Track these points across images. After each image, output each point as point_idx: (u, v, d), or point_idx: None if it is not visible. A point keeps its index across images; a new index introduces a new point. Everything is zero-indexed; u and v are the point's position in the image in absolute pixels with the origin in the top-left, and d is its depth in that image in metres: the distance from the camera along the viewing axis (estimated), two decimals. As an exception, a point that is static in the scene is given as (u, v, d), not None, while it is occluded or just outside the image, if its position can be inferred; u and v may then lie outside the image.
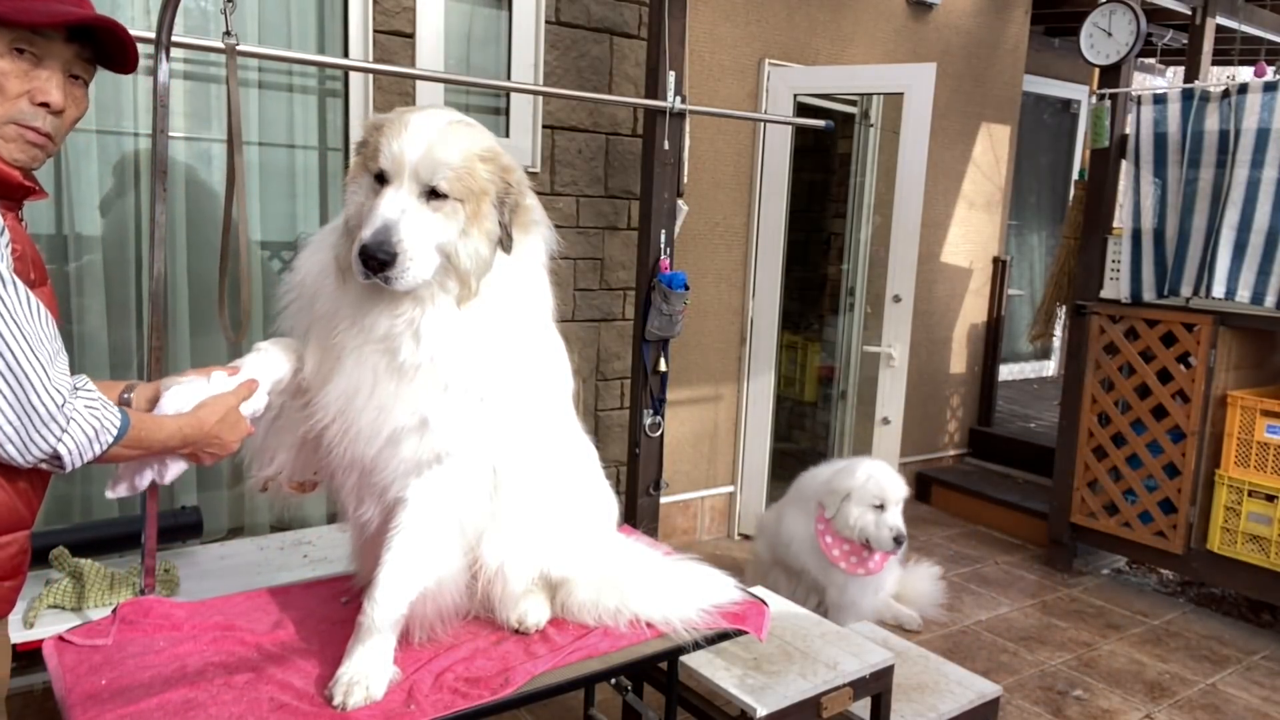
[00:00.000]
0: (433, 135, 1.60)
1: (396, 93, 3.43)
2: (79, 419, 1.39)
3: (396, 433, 1.66)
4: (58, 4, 1.43)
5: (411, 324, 1.64)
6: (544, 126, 3.78)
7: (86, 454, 1.41)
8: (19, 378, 1.33)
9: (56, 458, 1.38)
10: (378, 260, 1.54)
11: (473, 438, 1.71)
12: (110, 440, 1.43)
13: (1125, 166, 4.31)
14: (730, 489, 4.81)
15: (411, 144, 1.58)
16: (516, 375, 1.74)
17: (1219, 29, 5.25)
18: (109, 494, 1.66)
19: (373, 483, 1.73)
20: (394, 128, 1.61)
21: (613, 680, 2.28)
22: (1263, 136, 3.75)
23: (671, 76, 3.27)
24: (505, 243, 1.69)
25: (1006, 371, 7.37)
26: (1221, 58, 6.17)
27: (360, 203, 1.65)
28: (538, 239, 1.80)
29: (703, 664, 2.36)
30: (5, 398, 1.32)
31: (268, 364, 1.75)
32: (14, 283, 1.35)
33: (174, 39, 2.22)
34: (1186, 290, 4.03)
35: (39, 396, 1.34)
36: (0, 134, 1.42)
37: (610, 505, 2.11)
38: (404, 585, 1.71)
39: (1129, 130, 4.23)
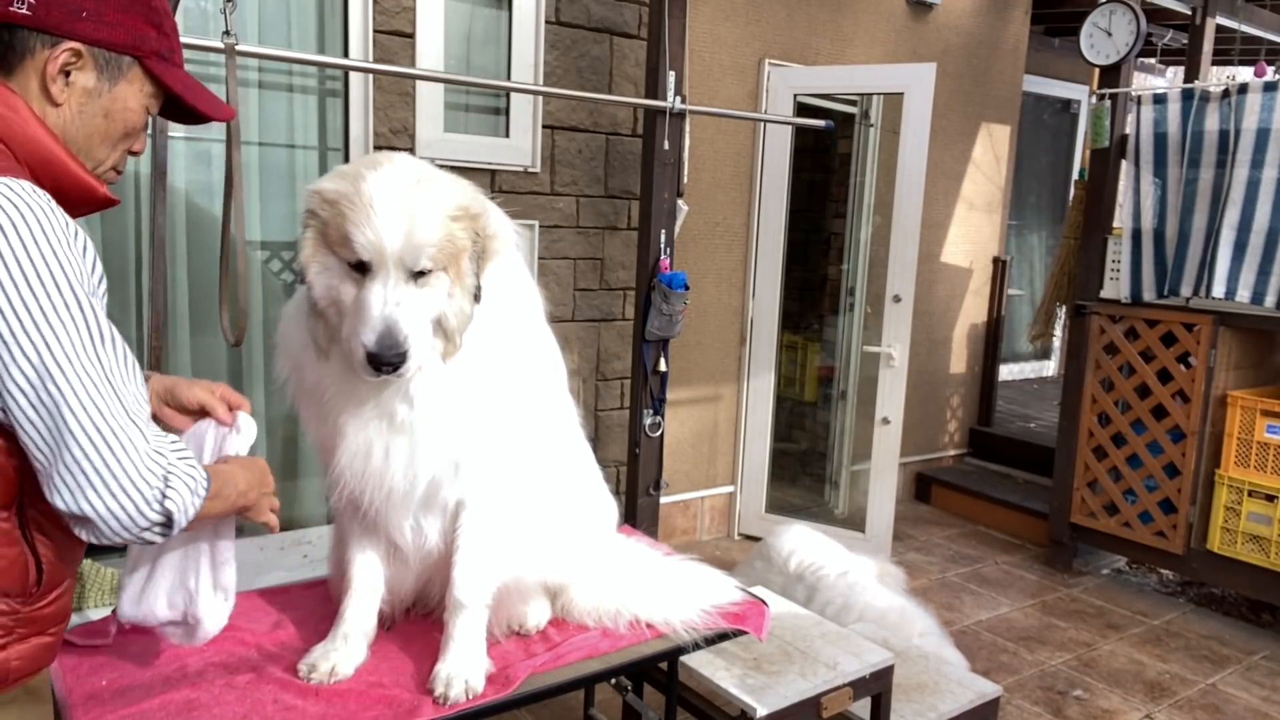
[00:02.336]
0: (407, 213, 1.49)
1: (396, 93, 3.43)
2: (178, 473, 1.23)
3: (410, 485, 1.67)
4: (220, 101, 1.45)
5: (399, 390, 1.61)
6: (544, 126, 3.78)
7: (190, 511, 1.25)
8: (118, 456, 1.17)
9: (168, 524, 1.22)
10: (391, 365, 1.50)
11: (486, 475, 1.73)
12: (204, 493, 1.27)
13: (1125, 166, 4.31)
14: (730, 489, 4.81)
15: (388, 230, 1.48)
16: (511, 401, 1.74)
17: (1219, 29, 5.25)
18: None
19: (407, 524, 1.76)
20: (358, 209, 1.48)
21: (613, 680, 2.28)
22: (1263, 136, 3.75)
23: (671, 76, 3.28)
24: (478, 293, 1.63)
25: (1006, 371, 7.36)
26: (1221, 58, 6.17)
27: (332, 285, 1.55)
28: (509, 256, 1.73)
29: (703, 664, 2.36)
30: (106, 479, 1.16)
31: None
32: (113, 339, 1.22)
33: (174, 39, 2.21)
34: (1186, 290, 4.03)
35: (138, 467, 1.18)
36: (106, 175, 1.38)
37: (609, 507, 2.11)
38: (484, 569, 1.75)
39: (1129, 130, 4.23)
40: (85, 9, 1.26)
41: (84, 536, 1.22)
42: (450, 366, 1.63)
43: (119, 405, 1.19)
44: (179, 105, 1.41)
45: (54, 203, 1.19)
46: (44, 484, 1.19)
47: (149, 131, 1.58)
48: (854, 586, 3.31)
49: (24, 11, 1.23)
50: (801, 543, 3.59)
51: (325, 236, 1.54)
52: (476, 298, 1.63)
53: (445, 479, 1.69)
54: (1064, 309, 4.74)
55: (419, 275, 1.53)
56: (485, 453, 1.71)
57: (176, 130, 3.03)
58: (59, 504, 1.18)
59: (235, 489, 1.40)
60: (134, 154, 1.42)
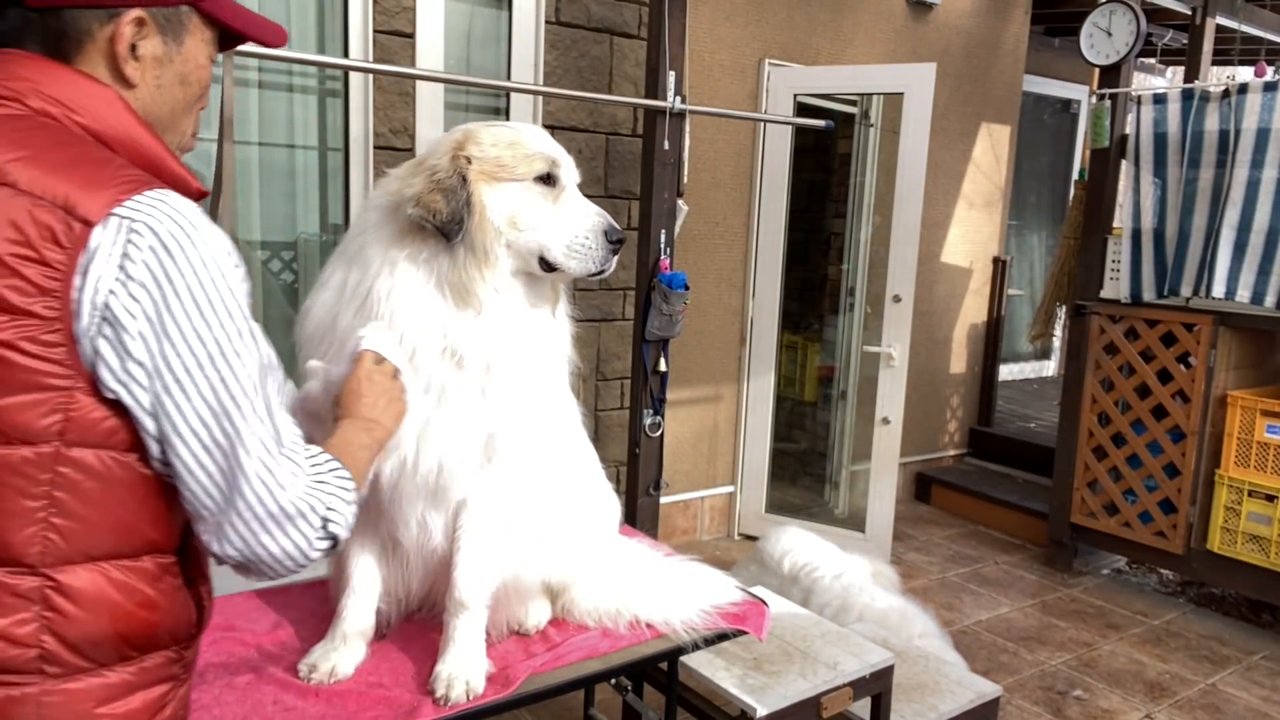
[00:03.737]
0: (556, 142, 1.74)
1: (396, 93, 3.43)
2: (334, 490, 1.15)
3: (463, 453, 1.66)
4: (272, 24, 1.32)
5: (545, 327, 1.73)
6: (544, 126, 3.76)
7: (350, 521, 1.17)
8: (290, 496, 1.09)
9: (334, 545, 1.16)
10: (621, 241, 1.71)
11: (523, 442, 1.75)
12: (354, 495, 1.19)
13: (1125, 166, 4.31)
14: (730, 489, 4.81)
15: (559, 148, 1.71)
16: (546, 381, 1.76)
17: (1219, 29, 5.25)
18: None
19: (414, 518, 1.74)
20: (531, 137, 1.69)
21: (613, 680, 2.28)
22: (1263, 136, 3.75)
23: (671, 76, 3.27)
24: None
25: (1006, 371, 7.36)
26: (1221, 58, 6.17)
27: (514, 207, 1.64)
28: None
29: (703, 664, 2.36)
30: (279, 520, 1.08)
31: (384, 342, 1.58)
32: (273, 364, 1.12)
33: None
34: (1186, 290, 4.03)
35: (307, 502, 1.11)
36: (186, 145, 1.24)
37: (612, 507, 2.11)
38: (484, 569, 1.75)
39: (1129, 130, 4.23)
40: None
41: (246, 577, 1.14)
42: (553, 322, 1.75)
43: (279, 439, 1.10)
44: (228, 37, 1.27)
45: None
46: (205, 531, 1.09)
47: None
48: (849, 588, 3.31)
49: None
50: (795, 544, 3.58)
51: (497, 169, 1.65)
52: None
53: (496, 445, 1.69)
54: (1064, 309, 4.74)
55: None
56: (521, 428, 1.72)
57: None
58: (229, 552, 1.09)
59: (367, 454, 1.33)
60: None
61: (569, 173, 1.71)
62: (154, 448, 1.05)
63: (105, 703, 1.07)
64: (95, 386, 1.01)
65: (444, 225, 1.57)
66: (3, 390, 0.98)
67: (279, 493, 1.08)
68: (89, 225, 0.98)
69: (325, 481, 1.15)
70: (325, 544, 1.14)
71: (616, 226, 1.71)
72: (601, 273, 1.72)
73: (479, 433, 1.66)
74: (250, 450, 1.06)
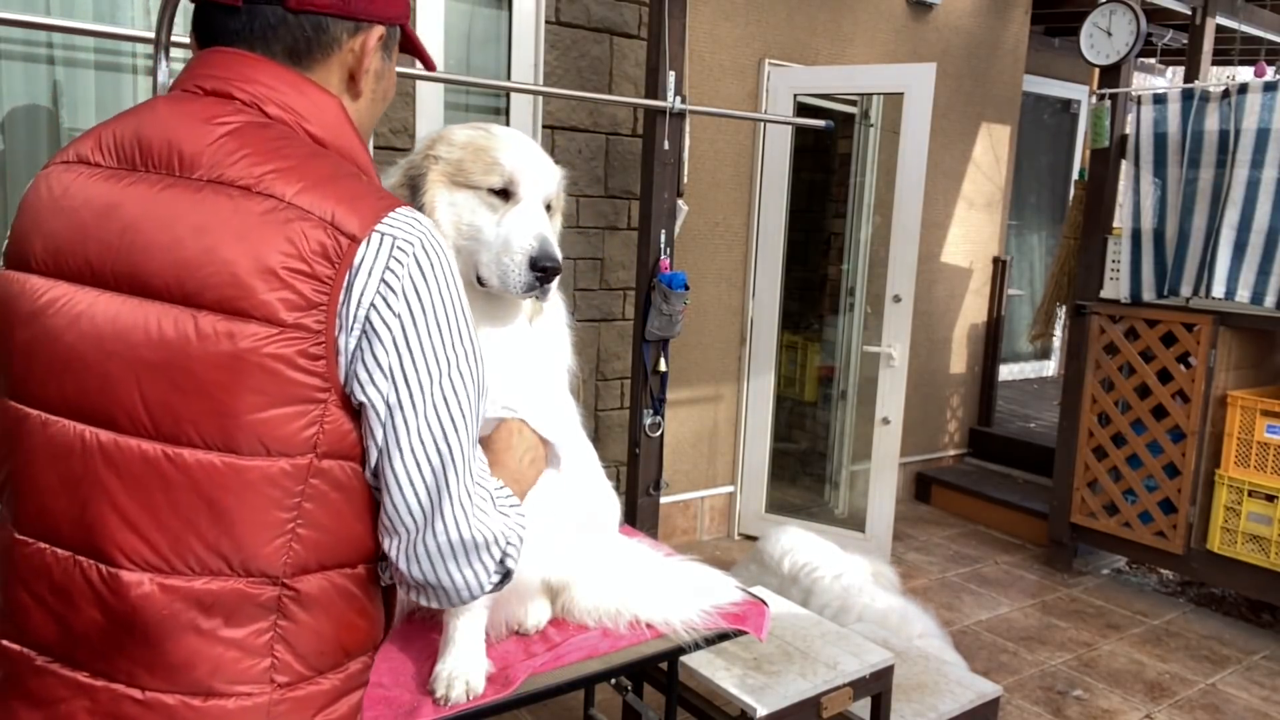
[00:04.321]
0: (536, 150, 1.64)
1: (396, 92, 3.43)
2: (514, 526, 1.15)
3: None
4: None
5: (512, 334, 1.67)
6: (544, 126, 3.78)
7: (520, 558, 1.16)
8: (483, 526, 1.10)
9: (505, 580, 1.16)
10: (550, 269, 1.53)
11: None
12: (525, 532, 1.18)
13: (1125, 166, 4.31)
14: (730, 489, 4.81)
15: (529, 157, 1.62)
16: (545, 387, 1.75)
17: (1219, 29, 5.25)
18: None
19: None
20: (498, 143, 1.61)
21: (613, 680, 2.28)
22: (1263, 136, 3.75)
23: (671, 76, 3.27)
24: None
25: (1006, 371, 7.37)
26: (1221, 58, 6.17)
27: (464, 217, 1.59)
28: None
29: (703, 664, 2.36)
30: (469, 549, 1.09)
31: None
32: (485, 389, 1.12)
33: (174, 39, 2.22)
34: (1186, 290, 4.03)
35: (495, 535, 1.11)
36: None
37: (612, 505, 2.10)
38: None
39: (1129, 130, 4.23)
40: None
41: (421, 601, 1.14)
42: (528, 332, 1.68)
43: (477, 467, 1.11)
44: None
45: None
46: (396, 549, 1.08)
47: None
48: (849, 589, 3.30)
49: None
50: (794, 544, 3.58)
51: (457, 172, 1.60)
52: None
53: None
54: (1064, 309, 4.74)
55: (546, 211, 1.64)
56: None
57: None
58: (413, 572, 1.09)
59: (526, 485, 1.38)
60: None
61: (532, 189, 1.60)
62: (372, 458, 1.06)
63: (321, 710, 1.08)
64: (344, 398, 1.03)
65: None
66: (271, 403, 0.98)
67: (474, 519, 1.09)
68: (355, 241, 1.00)
69: (507, 515, 1.15)
70: (499, 577, 1.14)
71: (552, 255, 1.53)
72: (533, 295, 1.59)
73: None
74: (459, 472, 1.07)
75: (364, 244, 1.00)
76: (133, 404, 0.99)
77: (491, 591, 1.16)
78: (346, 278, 1.00)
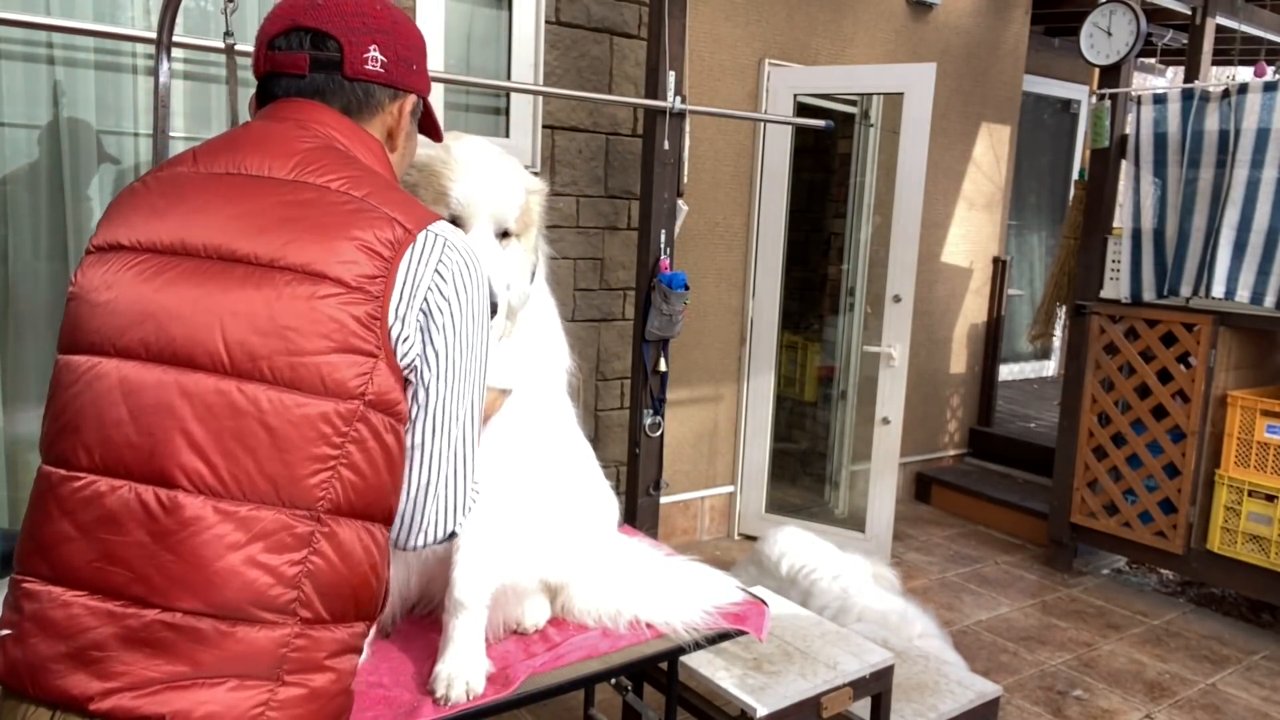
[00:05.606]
0: (497, 174, 1.61)
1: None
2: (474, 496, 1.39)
3: None
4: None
5: None
6: (544, 126, 3.78)
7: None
8: (467, 497, 1.33)
9: (450, 538, 1.36)
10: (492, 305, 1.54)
11: (503, 463, 1.73)
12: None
13: (1125, 166, 4.31)
14: (730, 489, 4.81)
15: (483, 184, 1.58)
16: (535, 394, 1.75)
17: (1219, 29, 5.25)
18: None
19: None
20: (452, 167, 1.58)
21: (613, 680, 2.28)
22: (1263, 136, 3.75)
23: (671, 76, 3.27)
24: (533, 274, 1.72)
25: (1006, 371, 7.37)
26: (1221, 58, 6.17)
27: None
28: (537, 239, 1.80)
29: (703, 664, 2.36)
30: (450, 516, 1.32)
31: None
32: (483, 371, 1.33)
33: (174, 39, 2.22)
34: (1186, 290, 4.03)
35: (469, 486, 1.33)
36: None
37: (610, 506, 2.11)
38: (484, 569, 1.74)
39: (1129, 130, 4.23)
40: (414, 62, 1.40)
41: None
42: (503, 346, 1.65)
43: (476, 444, 1.32)
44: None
45: None
46: (402, 514, 1.29)
47: (152, 132, 1.58)
48: (848, 590, 3.30)
49: (379, 70, 1.35)
50: (792, 545, 3.58)
51: (412, 191, 1.58)
52: (532, 278, 1.70)
53: None
54: (1064, 309, 4.74)
55: (504, 238, 1.62)
56: (511, 440, 1.71)
57: (178, 130, 3.03)
58: (415, 540, 1.30)
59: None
60: None
61: (483, 219, 1.58)
62: (414, 413, 1.26)
63: (331, 655, 1.19)
64: (392, 361, 1.20)
65: None
66: (334, 349, 1.16)
67: (470, 494, 1.32)
68: (410, 234, 1.22)
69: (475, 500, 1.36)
70: (454, 527, 1.33)
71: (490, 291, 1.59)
72: None
73: None
74: (473, 449, 1.31)
75: (421, 236, 1.23)
76: (214, 344, 1.14)
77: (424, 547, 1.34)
78: (404, 260, 1.20)
